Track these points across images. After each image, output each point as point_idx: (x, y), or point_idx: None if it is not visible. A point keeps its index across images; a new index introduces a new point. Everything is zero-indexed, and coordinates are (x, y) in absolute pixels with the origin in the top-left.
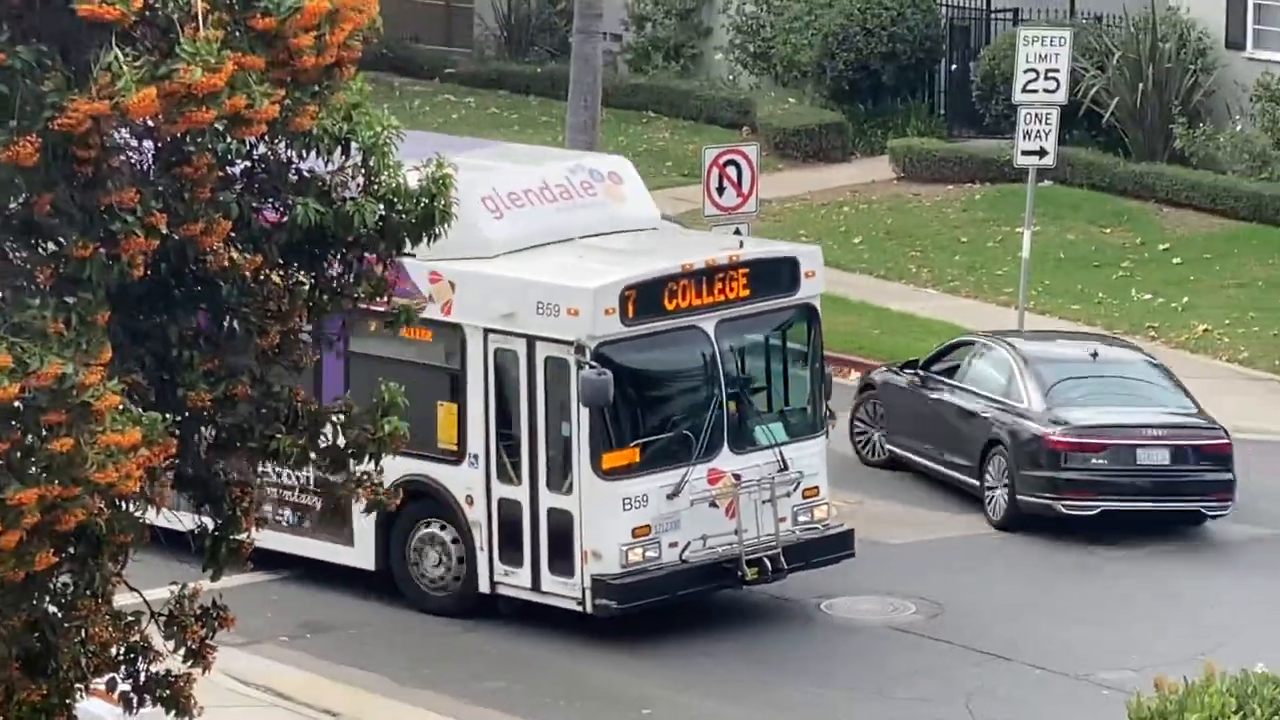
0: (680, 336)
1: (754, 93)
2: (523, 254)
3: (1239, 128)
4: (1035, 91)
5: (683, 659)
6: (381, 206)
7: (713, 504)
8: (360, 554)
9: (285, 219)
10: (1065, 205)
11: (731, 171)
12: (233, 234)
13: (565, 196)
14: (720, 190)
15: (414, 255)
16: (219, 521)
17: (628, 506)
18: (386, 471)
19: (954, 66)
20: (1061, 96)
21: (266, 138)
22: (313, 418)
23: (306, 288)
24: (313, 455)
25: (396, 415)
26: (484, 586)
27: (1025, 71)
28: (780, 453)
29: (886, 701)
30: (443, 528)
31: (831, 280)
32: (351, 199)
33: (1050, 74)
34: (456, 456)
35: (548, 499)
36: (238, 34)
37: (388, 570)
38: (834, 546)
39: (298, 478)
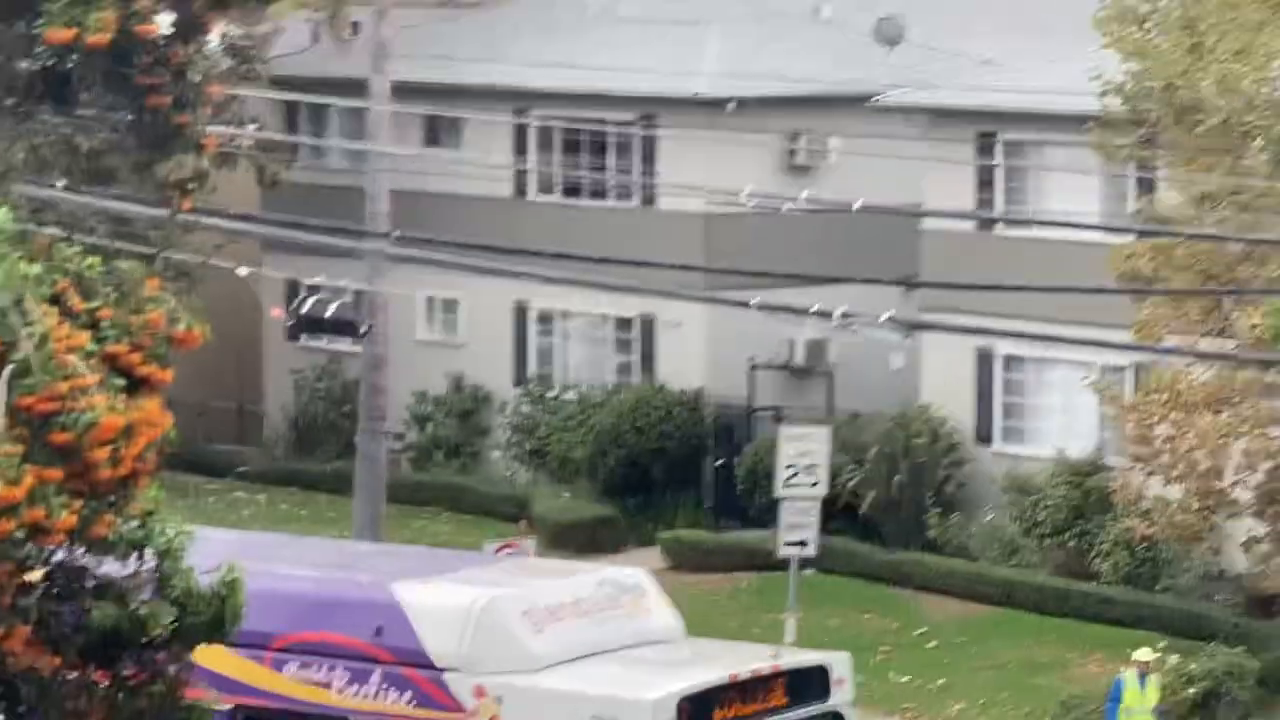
0: None
1: (531, 488)
2: (566, 667)
3: (989, 518)
4: (797, 485)
5: None
6: (175, 609)
7: None
8: None
9: (83, 622)
10: (827, 592)
11: None
12: (32, 636)
13: (598, 610)
14: None
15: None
16: None
17: None
18: None
19: (719, 462)
20: (821, 490)
21: (65, 545)
22: None
23: (103, 687)
24: None
25: None
26: None
27: (787, 467)
28: None
29: None
30: None
31: None
32: (146, 602)
33: (810, 469)
34: None
35: None
36: (37, 448)
37: None
38: None
39: None
